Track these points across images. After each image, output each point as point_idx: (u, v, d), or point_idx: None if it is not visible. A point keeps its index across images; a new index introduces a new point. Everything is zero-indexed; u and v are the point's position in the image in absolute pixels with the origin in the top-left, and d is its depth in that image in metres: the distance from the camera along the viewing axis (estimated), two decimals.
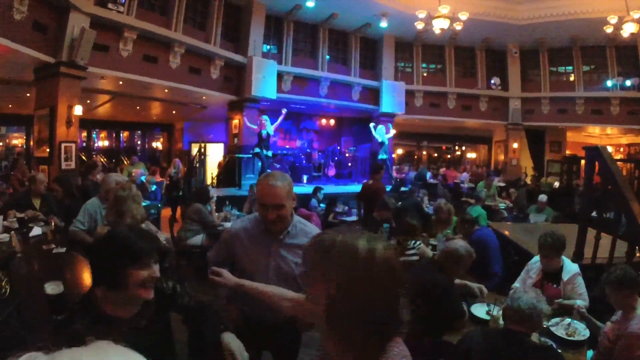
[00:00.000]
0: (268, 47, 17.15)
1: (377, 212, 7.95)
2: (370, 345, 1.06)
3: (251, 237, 2.92)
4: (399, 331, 1.10)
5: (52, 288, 2.66)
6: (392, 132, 17.36)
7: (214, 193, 9.00)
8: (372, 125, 16.78)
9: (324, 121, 21.75)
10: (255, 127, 14.32)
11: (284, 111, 14.60)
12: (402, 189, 14.41)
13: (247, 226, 3.00)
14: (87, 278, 3.60)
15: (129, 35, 12.20)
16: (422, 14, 14.46)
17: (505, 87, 20.67)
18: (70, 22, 10.57)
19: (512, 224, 9.54)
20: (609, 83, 18.97)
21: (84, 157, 13.29)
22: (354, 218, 10.11)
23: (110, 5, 11.43)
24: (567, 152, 21.73)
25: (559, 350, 3.10)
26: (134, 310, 2.07)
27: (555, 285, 4.24)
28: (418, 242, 5.45)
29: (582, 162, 12.93)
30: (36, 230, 5.27)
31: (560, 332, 3.54)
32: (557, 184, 17.20)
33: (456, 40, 19.61)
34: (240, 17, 16.36)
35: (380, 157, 16.29)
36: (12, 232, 5.04)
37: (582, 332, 3.57)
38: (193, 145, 20.32)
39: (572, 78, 20.11)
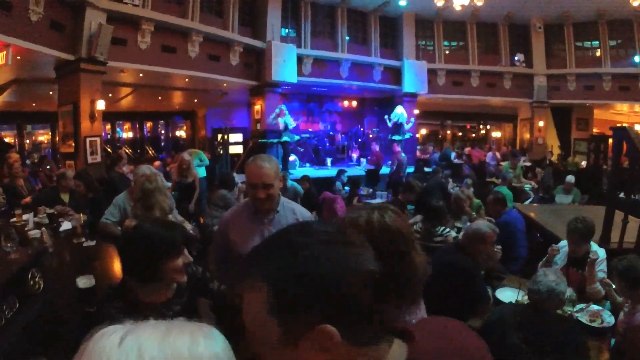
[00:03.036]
0: (286, 30, 17.06)
1: (402, 194, 7.95)
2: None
3: (243, 221, 3.10)
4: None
5: (83, 282, 2.74)
6: (412, 121, 17.25)
7: (238, 179, 9.00)
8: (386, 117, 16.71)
9: (346, 103, 21.56)
10: (276, 117, 14.36)
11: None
12: (426, 169, 14.33)
13: (238, 212, 3.23)
14: (117, 270, 3.67)
15: (146, 27, 12.27)
16: None
17: (529, 63, 20.18)
18: (86, 18, 10.68)
19: (538, 206, 9.37)
20: (637, 58, 18.34)
21: (109, 150, 13.42)
22: (378, 201, 10.05)
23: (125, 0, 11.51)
24: (595, 130, 20.97)
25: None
26: (168, 296, 2.14)
27: (580, 271, 4.20)
28: (446, 230, 5.41)
29: (610, 140, 12.66)
30: (66, 225, 5.40)
31: (585, 318, 3.54)
32: (584, 163, 16.94)
33: (478, 16, 19.18)
34: (256, 2, 16.31)
35: (394, 137, 16.20)
36: (43, 227, 5.18)
37: (607, 319, 3.55)
38: (216, 131, 20.43)
39: (598, 53, 19.48)
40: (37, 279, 2.78)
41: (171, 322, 0.81)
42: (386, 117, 16.69)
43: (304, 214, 3.22)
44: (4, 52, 9.17)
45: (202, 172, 10.83)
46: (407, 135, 16.67)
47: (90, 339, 0.78)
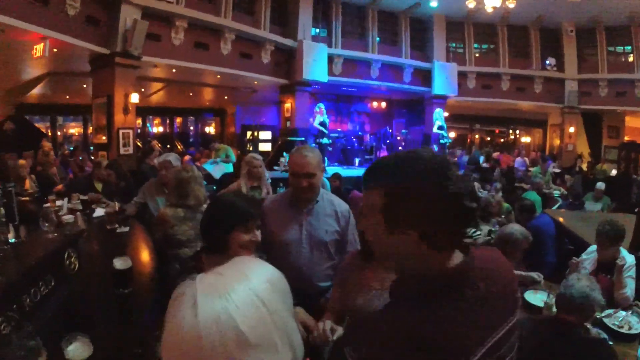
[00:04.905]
0: (317, 30, 17.15)
1: None
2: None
3: (282, 210, 3.16)
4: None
5: (120, 263, 2.79)
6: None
7: (268, 175, 9.08)
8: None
9: (375, 104, 21.58)
10: (320, 118, 14.51)
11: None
12: None
13: (278, 201, 3.30)
14: (149, 256, 3.75)
15: (180, 24, 12.47)
16: None
17: (560, 67, 19.83)
18: (122, 14, 10.94)
19: (568, 212, 9.19)
20: None
21: (139, 144, 13.64)
22: None
23: None
24: (626, 138, 20.62)
25: (611, 343, 3.06)
26: None
27: (609, 277, 4.15)
28: (476, 232, 5.41)
29: None
30: (99, 212, 5.50)
31: (613, 323, 3.49)
32: (614, 171, 16.64)
33: (508, 18, 18.91)
34: (288, 1, 16.39)
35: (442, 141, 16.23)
36: (78, 212, 5.31)
37: (635, 325, 3.50)
38: (245, 128, 20.60)
39: (631, 58, 18.99)
40: (72, 260, 2.86)
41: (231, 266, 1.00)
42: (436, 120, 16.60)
43: (342, 206, 3.24)
44: (42, 45, 9.40)
45: (228, 168, 10.96)
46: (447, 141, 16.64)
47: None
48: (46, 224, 3.15)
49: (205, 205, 4.26)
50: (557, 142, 21.04)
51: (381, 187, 1.19)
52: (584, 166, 18.14)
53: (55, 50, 9.96)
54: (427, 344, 1.08)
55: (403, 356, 1.08)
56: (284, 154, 12.84)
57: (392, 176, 1.18)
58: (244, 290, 0.89)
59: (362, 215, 1.28)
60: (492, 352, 1.18)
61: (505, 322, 1.25)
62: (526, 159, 17.80)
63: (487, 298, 1.21)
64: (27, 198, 5.97)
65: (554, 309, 3.25)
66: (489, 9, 14.00)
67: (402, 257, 1.21)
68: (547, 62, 19.66)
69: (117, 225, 4.69)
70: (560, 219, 7.33)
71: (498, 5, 13.84)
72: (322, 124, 14.36)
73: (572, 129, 20.00)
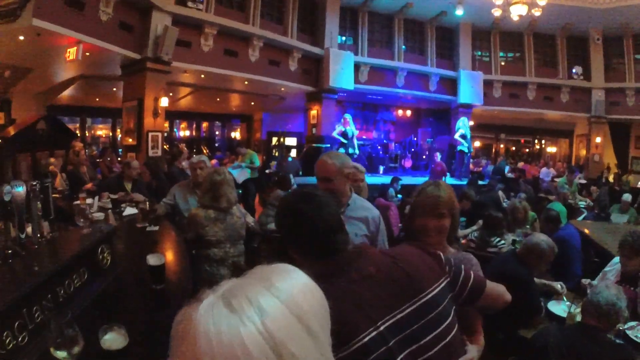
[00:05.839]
0: (344, 38, 17.29)
1: (459, 202, 7.90)
2: None
3: None
4: None
5: (154, 260, 2.86)
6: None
7: (294, 182, 9.19)
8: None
9: (400, 112, 21.63)
10: (341, 129, 14.60)
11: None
12: (480, 182, 14.19)
13: None
14: (179, 254, 3.83)
15: (210, 31, 12.74)
16: (499, 1, 13.98)
17: (587, 76, 19.66)
18: (153, 20, 11.29)
19: (593, 223, 9.03)
20: None
21: (166, 147, 13.87)
22: None
23: (189, 4, 12.09)
24: None
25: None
26: None
27: (632, 288, 4.12)
28: (501, 241, 5.41)
29: None
30: (129, 210, 5.62)
31: (635, 336, 3.47)
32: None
33: (535, 26, 18.82)
34: (315, 10, 16.60)
35: (459, 148, 16.14)
36: (109, 210, 5.51)
37: None
38: (271, 134, 20.78)
39: None
40: (105, 255, 2.94)
41: (258, 271, 0.87)
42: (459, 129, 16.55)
43: (373, 212, 3.27)
44: (75, 48, 9.68)
45: (252, 174, 11.10)
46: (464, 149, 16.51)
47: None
48: (81, 220, 3.25)
49: (235, 207, 4.37)
50: (583, 152, 20.80)
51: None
52: (611, 177, 17.87)
53: (87, 54, 10.23)
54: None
55: None
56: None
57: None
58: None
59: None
60: (397, 331, 1.28)
61: (408, 301, 1.34)
62: (552, 169, 17.62)
63: (378, 279, 1.37)
64: (57, 195, 6.15)
65: (578, 318, 3.27)
66: (515, 17, 13.92)
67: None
68: (574, 70, 19.47)
69: (147, 224, 4.77)
70: (586, 230, 7.25)
71: (524, 13, 13.76)
72: (344, 134, 14.43)
73: (598, 139, 19.75)
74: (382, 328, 1.26)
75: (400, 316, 1.30)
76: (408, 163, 18.94)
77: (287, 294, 0.80)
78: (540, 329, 3.24)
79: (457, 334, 1.48)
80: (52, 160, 7.90)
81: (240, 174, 11.21)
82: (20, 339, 1.80)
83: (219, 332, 0.71)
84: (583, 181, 15.42)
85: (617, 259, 4.43)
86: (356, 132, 14.93)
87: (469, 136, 16.37)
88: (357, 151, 15.33)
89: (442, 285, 1.44)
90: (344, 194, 3.16)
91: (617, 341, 3.20)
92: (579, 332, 2.92)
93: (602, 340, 2.81)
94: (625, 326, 3.51)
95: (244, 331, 0.71)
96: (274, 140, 20.45)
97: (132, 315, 2.49)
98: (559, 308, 3.94)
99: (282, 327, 0.75)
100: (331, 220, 1.58)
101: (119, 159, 12.84)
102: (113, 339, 1.97)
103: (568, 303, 3.88)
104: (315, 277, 0.95)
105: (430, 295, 1.37)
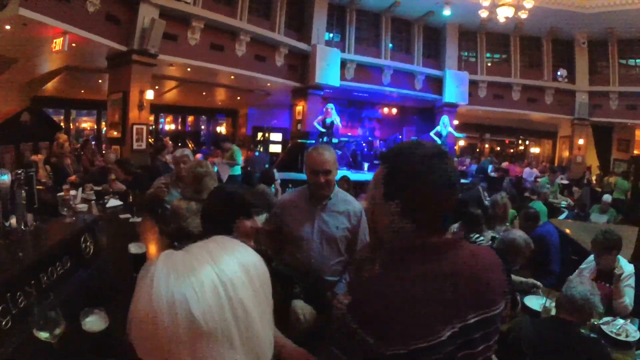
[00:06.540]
0: (331, 35, 17.32)
1: None
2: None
3: (298, 205, 3.34)
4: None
5: (135, 248, 2.91)
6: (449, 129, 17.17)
7: (278, 176, 9.21)
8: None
9: (386, 110, 21.65)
10: (320, 117, 14.57)
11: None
12: (463, 181, 14.27)
13: (294, 197, 3.47)
14: (162, 244, 3.87)
15: (197, 24, 12.73)
16: (486, 2, 14.06)
17: (572, 79, 19.83)
18: (140, 13, 11.26)
19: (572, 222, 9.15)
20: None
21: (150, 140, 13.84)
22: None
23: None
24: (636, 151, 20.46)
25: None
26: None
27: (607, 285, 4.22)
28: (480, 238, 5.47)
29: None
30: (112, 202, 5.64)
31: (610, 331, 3.56)
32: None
33: (522, 29, 18.97)
34: (303, 6, 16.62)
35: None
36: (92, 201, 5.53)
37: (632, 333, 3.56)
38: (256, 130, 20.77)
39: None
40: (88, 244, 2.97)
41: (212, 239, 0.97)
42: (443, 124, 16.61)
43: (355, 205, 3.37)
44: (61, 39, 9.64)
45: (234, 170, 11.08)
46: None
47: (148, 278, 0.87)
48: (65, 210, 3.27)
49: None
50: (566, 153, 21.03)
51: (385, 164, 1.43)
52: (593, 179, 18.06)
53: (73, 45, 10.17)
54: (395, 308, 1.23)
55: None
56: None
57: (395, 156, 1.41)
58: (206, 272, 0.84)
59: (371, 185, 1.50)
60: (463, 334, 1.30)
61: (481, 310, 1.36)
62: (535, 169, 17.77)
63: (468, 279, 1.35)
64: (41, 187, 6.14)
65: (552, 313, 3.34)
66: (501, 19, 14.04)
67: (385, 225, 1.41)
68: (559, 73, 19.54)
69: (129, 215, 4.79)
70: (567, 230, 7.35)
71: (510, 15, 13.88)
72: (323, 123, 14.43)
73: (581, 141, 19.99)
74: (457, 328, 1.28)
75: (472, 321, 1.32)
76: None
77: (241, 254, 0.92)
78: (514, 322, 3.30)
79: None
80: (38, 157, 7.89)
81: (223, 171, 11.19)
82: (3, 323, 1.83)
83: (157, 289, 0.83)
84: (565, 181, 15.56)
85: (592, 256, 4.52)
86: (339, 123, 14.90)
87: (444, 134, 16.43)
88: (335, 141, 15.31)
89: (504, 305, 1.48)
90: (334, 185, 3.29)
91: (592, 335, 3.30)
92: (552, 325, 3.01)
93: (575, 333, 2.89)
94: (601, 321, 3.60)
95: (175, 288, 0.82)
96: (259, 135, 20.43)
97: (113, 300, 2.53)
98: (534, 302, 4.00)
99: (234, 277, 0.86)
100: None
101: (101, 151, 12.77)
102: (93, 321, 2.01)
103: (545, 299, 3.95)
104: (420, 251, 1.33)
105: (497, 311, 1.42)
